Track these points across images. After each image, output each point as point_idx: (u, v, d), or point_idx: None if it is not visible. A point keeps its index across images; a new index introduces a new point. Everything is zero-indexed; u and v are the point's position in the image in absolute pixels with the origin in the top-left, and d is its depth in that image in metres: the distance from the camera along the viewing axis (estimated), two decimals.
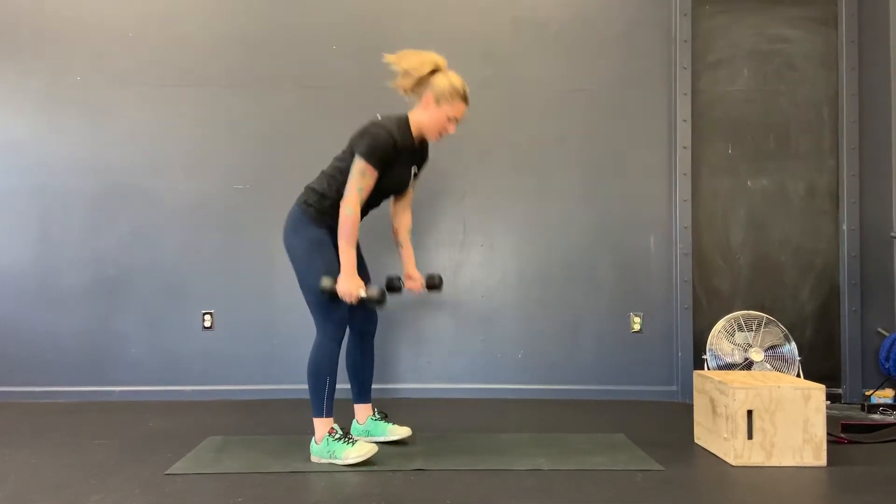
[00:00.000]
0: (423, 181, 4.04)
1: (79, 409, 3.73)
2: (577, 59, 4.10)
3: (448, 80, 2.80)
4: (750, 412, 2.72)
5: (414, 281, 3.06)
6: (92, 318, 3.98)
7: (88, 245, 3.99)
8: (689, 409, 3.28)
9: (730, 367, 3.73)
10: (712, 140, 4.10)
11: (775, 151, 4.10)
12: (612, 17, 4.10)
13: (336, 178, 2.81)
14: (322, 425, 2.75)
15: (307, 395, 3.86)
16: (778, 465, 2.70)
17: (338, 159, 2.87)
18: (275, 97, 4.04)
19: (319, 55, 4.06)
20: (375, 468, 2.64)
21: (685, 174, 4.04)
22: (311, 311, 2.81)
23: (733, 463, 2.72)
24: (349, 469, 2.65)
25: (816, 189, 4.11)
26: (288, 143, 4.05)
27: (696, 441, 3.07)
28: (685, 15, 4.06)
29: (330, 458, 2.71)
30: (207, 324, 4.01)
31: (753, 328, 3.78)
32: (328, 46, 4.06)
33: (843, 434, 3.11)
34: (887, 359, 3.83)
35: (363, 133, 2.75)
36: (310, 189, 2.89)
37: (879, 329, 4.02)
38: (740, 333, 3.78)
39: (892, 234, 4.03)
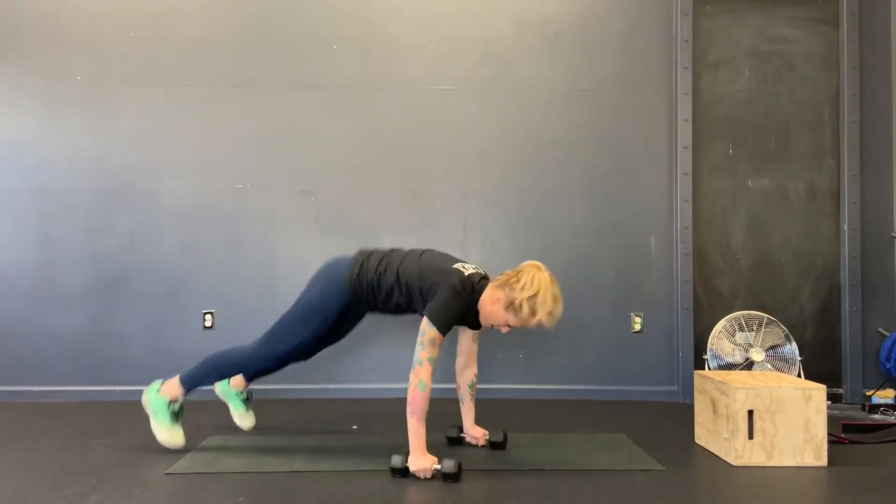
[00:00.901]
0: (423, 181, 4.07)
1: (79, 408, 3.72)
2: (578, 60, 4.10)
3: (542, 305, 2.56)
4: (751, 412, 2.71)
5: (475, 439, 2.96)
6: (92, 318, 3.98)
7: (89, 245, 3.99)
8: (689, 409, 3.28)
9: (730, 367, 3.73)
10: (713, 140, 4.10)
11: (776, 151, 4.10)
12: (613, 17, 4.10)
13: (389, 289, 2.72)
14: (176, 388, 2.88)
15: (307, 395, 3.88)
16: (779, 465, 2.70)
17: (407, 277, 2.70)
18: (276, 97, 4.04)
19: (320, 56, 4.06)
20: (376, 468, 2.63)
21: (686, 174, 4.04)
22: (272, 326, 2.88)
23: (734, 463, 2.72)
24: (351, 469, 2.64)
25: (817, 189, 4.11)
26: (288, 144, 4.05)
27: (696, 441, 3.07)
28: (686, 15, 4.06)
29: (152, 412, 2.85)
30: (208, 323, 4.01)
31: (754, 328, 3.78)
32: (329, 47, 4.06)
33: (843, 434, 3.10)
34: (888, 359, 3.83)
35: (443, 297, 2.58)
36: (362, 271, 2.76)
37: (880, 329, 4.02)
38: (741, 333, 3.78)
39: (893, 234, 4.03)
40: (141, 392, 3.90)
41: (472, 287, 2.66)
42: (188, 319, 4.00)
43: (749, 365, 3.72)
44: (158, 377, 3.92)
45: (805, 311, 4.08)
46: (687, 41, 4.06)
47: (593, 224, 4.07)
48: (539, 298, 2.55)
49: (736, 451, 2.72)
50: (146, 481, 2.50)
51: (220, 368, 2.92)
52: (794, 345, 3.77)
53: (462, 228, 4.06)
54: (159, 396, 2.87)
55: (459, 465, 2.48)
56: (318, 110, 4.05)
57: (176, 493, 2.39)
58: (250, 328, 3.98)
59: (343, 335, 3.06)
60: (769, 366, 3.71)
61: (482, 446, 2.95)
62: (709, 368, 3.77)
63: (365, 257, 2.80)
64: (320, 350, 3.04)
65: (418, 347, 2.57)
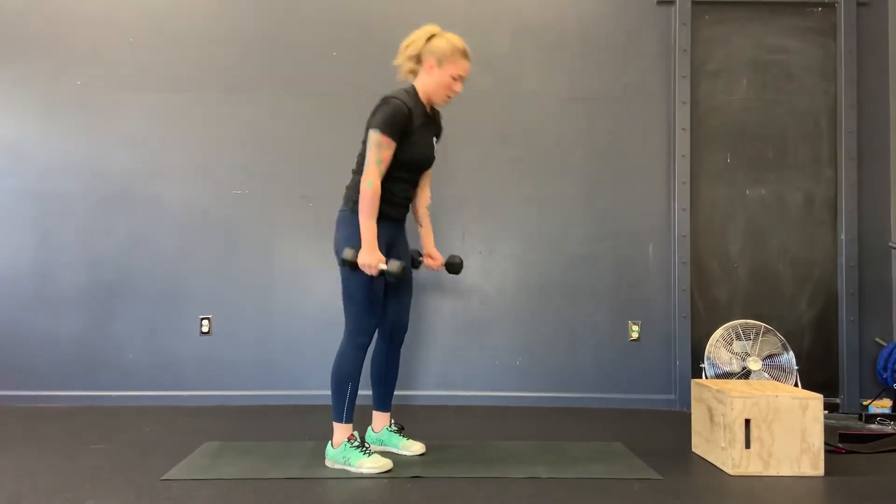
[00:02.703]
0: None
1: (75, 413, 3.71)
2: (577, 68, 4.11)
3: (446, 39, 2.82)
4: (748, 421, 2.71)
5: (434, 260, 3.06)
6: (89, 323, 3.98)
7: (86, 249, 3.99)
8: (686, 417, 3.28)
9: (728, 375, 3.73)
10: (711, 149, 4.11)
11: (774, 161, 4.11)
12: (612, 27, 4.12)
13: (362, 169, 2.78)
14: (341, 431, 2.75)
15: (304, 401, 3.88)
16: (775, 474, 2.70)
17: (360, 154, 2.84)
18: (275, 103, 4.05)
19: (319, 61, 4.07)
20: (372, 474, 2.63)
21: (684, 183, 4.05)
22: (345, 315, 2.78)
23: (731, 472, 2.71)
24: (350, 476, 2.64)
25: (815, 199, 4.12)
26: (287, 149, 4.05)
27: (693, 450, 3.06)
28: (684, 24, 4.07)
29: (344, 464, 2.71)
30: (205, 329, 4.01)
31: (751, 337, 3.78)
32: (328, 52, 4.07)
33: (840, 444, 3.10)
34: (885, 369, 3.84)
35: (375, 110, 2.75)
36: (347, 189, 2.85)
37: (877, 339, 4.02)
38: (738, 342, 3.78)
39: (891, 243, 4.04)
40: (137, 397, 3.93)
41: (403, 92, 2.79)
42: (185, 325, 4.00)
43: (746, 374, 3.72)
44: (155, 382, 3.96)
45: (802, 321, 4.09)
46: (685, 50, 4.07)
47: (591, 232, 4.08)
48: (445, 36, 2.83)
49: (733, 460, 2.72)
50: (142, 487, 2.49)
51: (342, 380, 2.74)
52: (792, 354, 3.77)
53: (460, 235, 4.06)
54: (338, 449, 2.74)
55: (403, 266, 2.63)
56: (317, 116, 4.06)
57: (171, 500, 2.38)
58: (247, 334, 4.01)
59: (405, 250, 2.97)
60: (766, 375, 3.71)
61: (438, 269, 3.06)
62: (706, 377, 3.77)
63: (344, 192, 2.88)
64: (389, 313, 2.92)
65: (367, 154, 2.70)
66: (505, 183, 4.08)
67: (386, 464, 2.70)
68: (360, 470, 2.67)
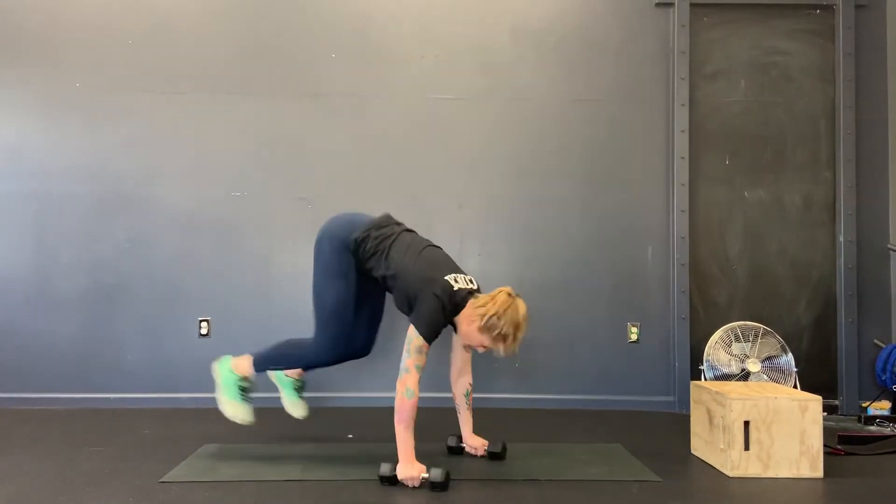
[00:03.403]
0: (421, 189, 4.07)
1: (74, 415, 3.71)
2: (576, 70, 4.11)
3: (509, 323, 2.60)
4: (747, 423, 2.71)
5: (475, 449, 2.95)
6: (88, 325, 3.97)
7: (85, 251, 3.98)
8: (686, 419, 3.28)
9: (727, 377, 3.73)
10: (709, 151, 4.11)
11: (772, 163, 4.11)
12: (611, 28, 4.12)
13: (379, 259, 2.76)
14: (248, 366, 2.89)
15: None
16: (774, 476, 2.70)
17: (399, 269, 2.72)
18: (274, 105, 4.05)
19: (318, 63, 4.07)
20: (371, 477, 2.62)
21: (683, 184, 4.05)
22: (315, 319, 2.84)
23: (730, 474, 2.71)
24: (346, 479, 2.63)
25: (813, 200, 4.12)
26: (286, 151, 4.05)
27: (692, 452, 3.06)
28: (683, 26, 4.08)
29: (222, 385, 2.88)
30: (204, 331, 4.00)
31: (750, 339, 3.78)
32: (327, 54, 4.07)
33: (839, 446, 3.10)
34: (884, 370, 3.84)
35: (427, 308, 2.60)
36: (369, 236, 2.79)
37: (876, 340, 4.02)
38: (737, 344, 3.79)
39: (889, 245, 4.04)
40: (136, 399, 3.92)
41: (456, 302, 2.65)
42: (184, 327, 3.99)
43: (745, 376, 3.72)
44: (153, 384, 3.95)
45: (801, 322, 4.09)
46: (684, 52, 4.08)
47: (590, 234, 4.08)
48: (509, 317, 2.59)
49: (732, 461, 2.72)
50: (141, 490, 2.49)
51: (288, 359, 2.90)
52: (791, 356, 3.77)
53: (459, 237, 4.06)
54: (230, 375, 2.87)
55: (447, 475, 2.48)
56: (316, 118, 4.06)
57: (170, 502, 2.38)
58: (246, 336, 4.00)
59: (376, 304, 2.98)
60: (765, 377, 3.71)
61: (481, 456, 2.94)
62: (705, 379, 3.77)
63: (373, 228, 2.81)
64: (368, 331, 2.98)
65: (405, 355, 2.59)
66: (504, 185, 4.08)
67: (245, 419, 2.87)
68: (222, 406, 2.86)
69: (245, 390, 2.90)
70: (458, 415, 3.00)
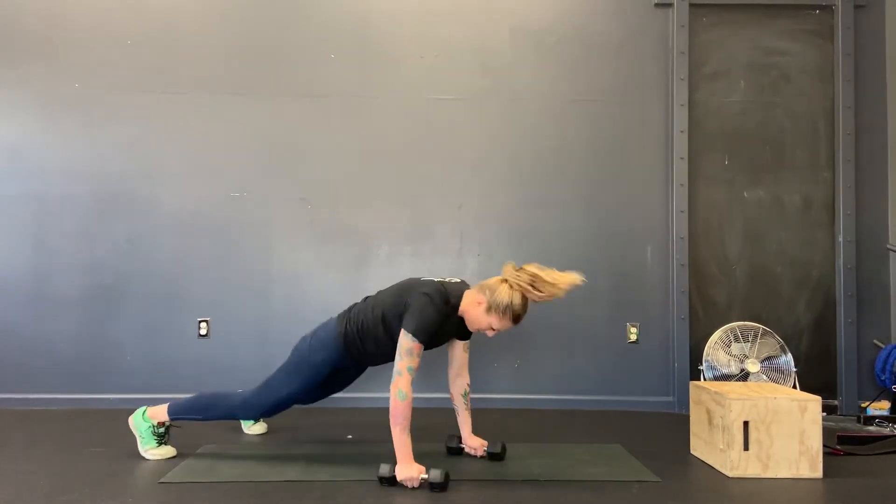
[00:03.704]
0: (420, 190, 4.07)
1: (73, 416, 3.71)
2: (575, 70, 4.12)
3: (511, 295, 2.62)
4: (746, 423, 2.71)
5: (474, 449, 2.95)
6: (87, 325, 3.97)
7: (84, 252, 3.98)
8: (685, 419, 3.28)
9: (726, 377, 3.73)
10: (709, 151, 4.11)
11: (771, 163, 4.12)
12: (610, 29, 4.12)
13: (371, 330, 2.76)
14: (162, 414, 2.91)
15: (302, 404, 3.84)
16: (774, 476, 2.70)
17: (382, 306, 2.75)
18: (273, 106, 4.05)
19: (318, 64, 4.07)
20: (370, 477, 2.62)
21: (682, 185, 4.05)
22: (265, 380, 2.92)
23: (729, 474, 2.71)
24: (345, 479, 2.63)
25: (812, 201, 4.12)
26: (285, 152, 4.05)
27: (692, 452, 3.06)
28: (682, 27, 4.08)
29: (139, 437, 2.90)
30: (203, 331, 4.00)
31: (750, 339, 3.78)
32: (326, 55, 4.07)
33: (839, 446, 3.10)
34: (883, 370, 3.84)
35: (416, 307, 2.62)
36: (348, 321, 2.83)
37: (875, 340, 4.03)
38: (736, 344, 3.79)
39: (888, 245, 4.04)
40: (135, 400, 3.90)
41: (447, 294, 2.68)
42: (183, 327, 3.99)
43: (745, 376, 3.72)
44: (153, 385, 3.95)
45: (800, 323, 4.09)
46: (683, 53, 4.08)
47: (589, 234, 4.08)
48: (513, 293, 2.62)
49: (731, 462, 2.72)
50: (140, 490, 2.49)
51: (209, 410, 2.92)
52: (790, 356, 3.77)
53: (459, 237, 4.06)
54: (145, 423, 2.91)
55: (446, 475, 2.49)
56: (315, 118, 4.06)
57: (170, 502, 2.38)
58: (245, 337, 4.01)
59: (337, 390, 3.08)
60: (765, 377, 3.71)
61: (481, 457, 2.94)
62: (704, 379, 3.77)
63: (347, 311, 2.88)
64: (313, 401, 3.06)
65: (397, 358, 2.60)
66: (503, 185, 4.08)
67: (168, 452, 2.89)
68: (145, 453, 2.87)
69: (162, 435, 2.90)
70: (457, 415, 3.00)
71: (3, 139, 3.99)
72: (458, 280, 2.85)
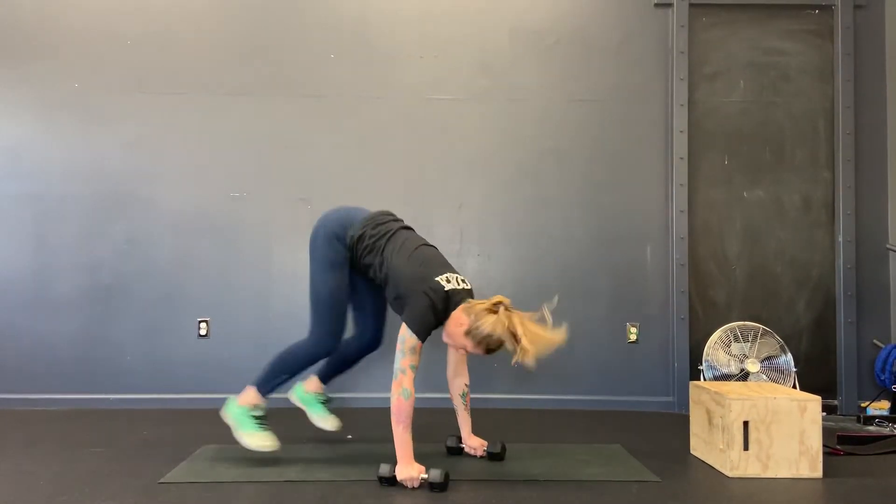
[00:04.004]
0: (420, 190, 4.07)
1: (73, 416, 3.71)
2: (574, 70, 4.12)
3: (491, 330, 2.57)
4: (746, 423, 2.71)
5: (474, 449, 2.96)
6: (87, 326, 3.97)
7: (84, 252, 3.98)
8: (685, 419, 3.28)
9: (726, 377, 3.73)
10: (708, 151, 4.11)
11: (771, 163, 4.12)
12: (610, 29, 4.12)
13: (374, 256, 2.78)
14: (253, 396, 2.83)
15: (302, 405, 3.84)
16: (774, 476, 2.70)
17: (389, 239, 2.79)
18: (272, 106, 4.05)
19: (318, 64, 4.07)
20: (369, 478, 2.62)
21: (682, 185, 4.05)
22: (311, 313, 2.84)
23: (729, 474, 2.71)
24: (345, 479, 2.63)
25: (812, 200, 4.12)
26: (285, 152, 4.05)
27: (692, 452, 3.06)
28: (682, 26, 4.08)
29: (236, 425, 2.80)
30: (203, 332, 4.00)
31: (749, 339, 3.78)
32: (326, 55, 4.07)
33: (839, 446, 3.10)
34: (883, 370, 3.84)
35: (420, 308, 2.60)
36: (365, 234, 2.82)
37: (875, 340, 4.03)
38: (736, 344, 3.79)
39: (888, 245, 4.04)
40: (135, 400, 3.92)
41: (448, 302, 2.65)
42: (183, 327, 3.99)
43: (744, 376, 3.72)
44: (152, 385, 3.95)
45: (800, 322, 4.09)
46: (683, 52, 4.08)
47: (589, 234, 4.08)
48: (496, 328, 2.56)
49: (731, 462, 2.72)
50: (139, 491, 2.49)
51: (286, 366, 2.84)
52: (790, 356, 3.77)
53: (458, 237, 4.06)
54: (239, 409, 2.82)
55: (446, 475, 2.49)
56: (315, 119, 4.06)
57: (169, 502, 2.37)
58: (245, 337, 4.01)
59: (377, 296, 2.98)
60: (764, 377, 3.71)
61: (480, 457, 2.94)
62: (704, 379, 3.77)
63: (369, 226, 2.82)
64: (374, 322, 3.02)
65: (399, 355, 2.59)
66: (503, 185, 4.08)
67: (272, 445, 2.78)
68: (242, 440, 2.76)
69: (259, 419, 2.82)
70: (457, 415, 3.00)
71: (2, 139, 3.99)
72: (467, 288, 2.75)
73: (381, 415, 3.29)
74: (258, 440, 2.76)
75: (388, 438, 2.62)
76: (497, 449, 2.93)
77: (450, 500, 2.41)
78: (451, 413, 3.03)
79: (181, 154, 4.03)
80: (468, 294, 2.73)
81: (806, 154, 4.13)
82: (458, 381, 2.97)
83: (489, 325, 2.56)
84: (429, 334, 2.64)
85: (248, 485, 2.57)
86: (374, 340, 3.05)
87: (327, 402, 3.14)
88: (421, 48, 4.10)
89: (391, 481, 2.54)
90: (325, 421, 3.10)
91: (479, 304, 2.64)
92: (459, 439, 3.00)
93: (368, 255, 2.80)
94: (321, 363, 3.04)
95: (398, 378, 2.57)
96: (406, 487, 2.52)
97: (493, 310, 2.60)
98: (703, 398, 2.97)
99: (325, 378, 3.14)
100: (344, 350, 3.03)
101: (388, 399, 2.59)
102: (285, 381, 2.88)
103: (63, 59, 4.02)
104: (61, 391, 3.93)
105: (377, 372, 3.74)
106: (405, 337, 2.59)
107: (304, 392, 3.14)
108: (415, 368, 2.59)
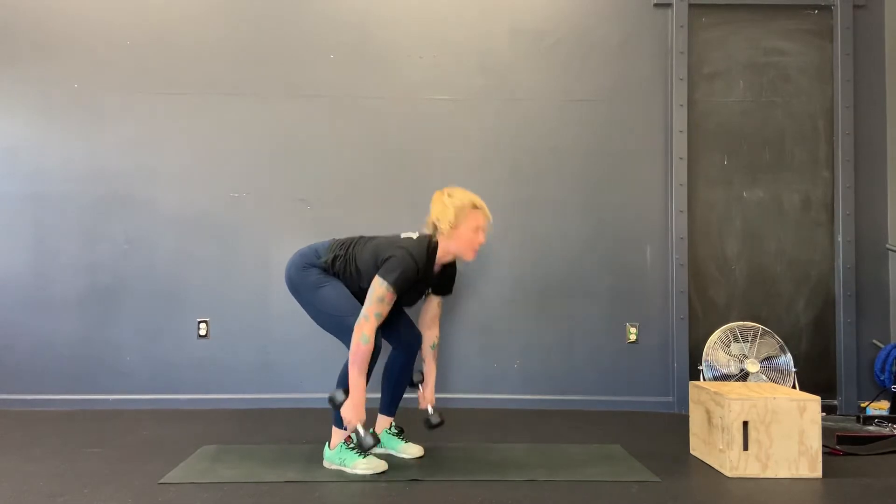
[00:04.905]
0: (418, 190, 4.05)
1: (72, 417, 3.71)
2: (574, 70, 4.12)
3: (453, 202, 2.84)
4: (745, 423, 2.72)
5: (425, 400, 3.05)
6: (86, 326, 3.97)
7: (83, 253, 3.98)
8: (685, 420, 3.28)
9: (725, 377, 3.73)
10: (708, 151, 4.11)
11: (771, 163, 4.12)
12: (609, 29, 4.12)
13: (348, 266, 2.87)
14: (339, 433, 2.80)
15: (301, 405, 3.88)
16: (773, 476, 2.70)
17: (355, 245, 2.90)
18: (272, 106, 4.05)
19: (317, 65, 4.07)
20: (371, 477, 2.63)
21: (681, 185, 4.06)
22: (334, 334, 2.87)
23: (729, 474, 2.72)
24: (347, 479, 2.64)
25: (811, 201, 4.12)
26: (284, 152, 4.05)
27: (691, 452, 3.06)
28: (682, 27, 4.08)
29: (340, 464, 2.76)
30: (202, 332, 4.00)
31: (749, 339, 3.78)
32: (325, 56, 4.07)
33: (838, 446, 3.10)
34: (882, 370, 3.84)
35: (394, 260, 2.72)
36: (314, 253, 2.93)
37: (874, 341, 4.03)
38: (736, 344, 3.79)
39: (888, 245, 4.05)
40: (135, 400, 3.92)
41: (421, 246, 2.80)
42: (182, 328, 3.99)
43: (744, 376, 3.72)
44: (152, 385, 3.96)
45: (800, 323, 4.09)
46: (682, 53, 4.08)
47: (589, 234, 4.08)
48: (453, 200, 2.85)
49: (731, 462, 2.72)
50: (139, 491, 2.49)
51: (342, 380, 2.80)
52: (789, 356, 3.77)
53: None
54: (335, 450, 2.79)
55: (375, 437, 2.70)
56: (314, 119, 4.06)
57: (169, 503, 2.37)
58: (245, 337, 4.01)
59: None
60: (764, 377, 3.72)
61: (422, 410, 3.04)
62: (704, 379, 3.77)
63: (336, 247, 2.93)
64: (401, 320, 3.04)
65: (367, 303, 2.67)
66: (502, 185, 4.08)
67: (380, 465, 2.74)
68: (355, 471, 2.71)
69: (356, 448, 2.77)
70: (424, 366, 3.07)
71: (2, 139, 3.99)
72: (417, 234, 2.92)
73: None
74: (367, 465, 2.72)
75: None
76: (435, 420, 3.00)
77: (449, 500, 2.41)
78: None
79: (180, 154, 4.03)
80: (425, 236, 2.91)
81: (805, 154, 4.13)
82: (430, 333, 3.08)
83: (449, 205, 2.83)
84: (401, 287, 2.69)
85: (248, 485, 2.57)
86: (411, 338, 3.04)
87: (401, 433, 3.06)
88: (421, 48, 4.10)
89: (337, 409, 2.69)
90: (408, 450, 3.00)
91: (428, 224, 2.90)
92: (421, 374, 3.08)
93: (345, 268, 2.88)
94: (380, 396, 3.09)
95: (360, 323, 2.65)
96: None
97: (436, 202, 2.88)
98: (702, 398, 2.97)
99: (389, 409, 3.09)
100: (391, 370, 3.05)
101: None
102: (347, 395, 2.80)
103: (62, 59, 4.02)
104: (61, 391, 3.93)
105: (377, 373, 3.74)
106: (376, 286, 2.68)
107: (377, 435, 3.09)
108: (380, 317, 2.67)
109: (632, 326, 4.07)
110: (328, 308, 2.84)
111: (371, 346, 2.65)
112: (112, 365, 3.96)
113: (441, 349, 4.04)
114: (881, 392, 3.86)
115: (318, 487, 2.56)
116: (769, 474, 2.70)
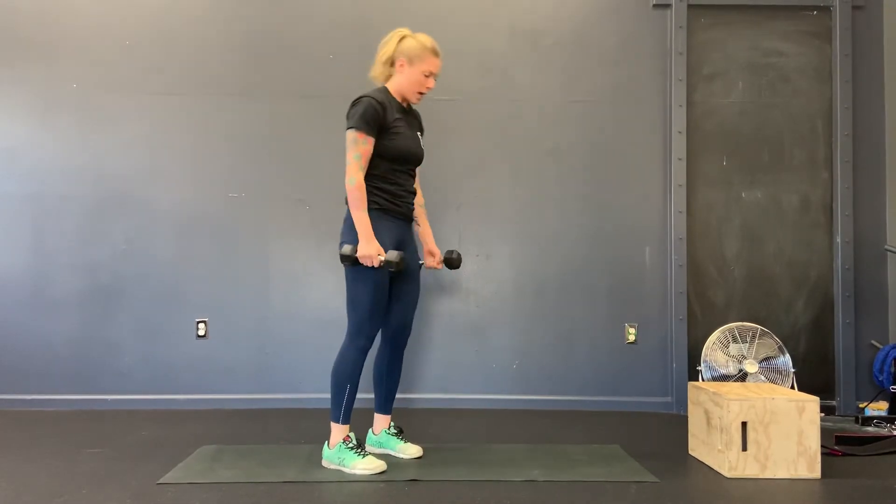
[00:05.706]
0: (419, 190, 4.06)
1: (71, 417, 3.71)
2: (573, 71, 4.12)
3: (415, 39, 2.95)
4: (744, 424, 2.72)
5: (433, 256, 3.13)
6: (85, 326, 3.97)
7: (82, 253, 3.98)
8: (683, 420, 3.29)
9: (724, 378, 3.74)
10: (707, 152, 4.12)
11: (769, 164, 4.12)
12: (609, 29, 4.13)
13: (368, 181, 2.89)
14: (337, 431, 2.79)
15: (300, 405, 3.88)
16: (772, 477, 2.70)
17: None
18: (271, 106, 4.05)
19: (317, 64, 4.07)
20: (371, 478, 2.63)
21: (680, 186, 4.06)
22: (348, 317, 2.82)
23: (727, 475, 2.72)
24: (346, 479, 2.64)
25: (810, 201, 4.13)
26: (284, 152, 4.05)
27: (690, 453, 3.07)
28: (681, 27, 4.08)
29: (339, 464, 2.75)
30: (201, 332, 4.00)
31: (748, 340, 3.79)
32: (325, 55, 4.07)
33: (837, 446, 3.11)
34: (881, 371, 3.85)
35: (348, 112, 2.83)
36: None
37: (873, 341, 4.03)
38: (735, 345, 3.79)
39: (886, 246, 4.05)
40: (133, 400, 3.92)
41: (375, 91, 2.86)
42: (181, 328, 3.99)
43: (743, 376, 3.73)
44: (151, 386, 3.96)
45: (798, 323, 4.09)
46: (681, 53, 4.08)
47: (588, 235, 4.08)
48: (416, 37, 2.97)
49: (730, 462, 2.72)
50: (138, 491, 2.49)
51: (341, 381, 2.78)
52: (788, 356, 3.78)
53: (457, 237, 4.06)
54: (334, 449, 2.78)
55: (402, 257, 2.69)
56: (313, 119, 4.06)
57: (168, 503, 2.37)
58: (243, 337, 4.01)
59: (404, 299, 2.97)
60: (763, 377, 3.72)
61: (438, 267, 3.12)
62: (703, 380, 3.78)
63: None
64: (394, 313, 2.97)
65: (347, 154, 2.76)
66: (501, 186, 4.08)
67: (380, 465, 2.73)
68: (353, 471, 2.70)
69: (354, 448, 2.76)
70: (418, 228, 3.11)
71: (1, 139, 3.99)
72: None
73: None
74: (366, 465, 2.71)
75: None
76: (453, 255, 3.08)
77: (448, 500, 2.41)
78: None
79: (180, 154, 4.03)
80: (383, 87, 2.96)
81: (804, 155, 4.13)
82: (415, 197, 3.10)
83: (408, 40, 2.94)
84: (367, 125, 2.75)
85: (247, 485, 2.57)
86: (401, 327, 2.98)
87: (400, 434, 3.03)
88: None
89: (353, 261, 2.70)
90: (407, 451, 2.97)
91: (397, 57, 2.96)
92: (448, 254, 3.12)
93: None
94: (374, 396, 3.06)
95: (346, 170, 2.75)
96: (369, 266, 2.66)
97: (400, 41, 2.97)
98: (701, 399, 2.97)
99: (385, 407, 3.06)
100: (379, 367, 3.03)
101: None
102: (350, 392, 2.80)
103: (62, 59, 4.01)
104: (60, 391, 3.93)
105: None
106: (347, 135, 2.77)
107: (375, 435, 3.05)
108: (359, 158, 2.74)
109: (631, 327, 4.07)
110: (351, 295, 2.82)
111: (359, 184, 2.72)
112: (111, 365, 3.96)
113: (440, 349, 4.06)
114: (880, 392, 3.87)
115: (317, 487, 2.56)
116: (768, 475, 2.71)
